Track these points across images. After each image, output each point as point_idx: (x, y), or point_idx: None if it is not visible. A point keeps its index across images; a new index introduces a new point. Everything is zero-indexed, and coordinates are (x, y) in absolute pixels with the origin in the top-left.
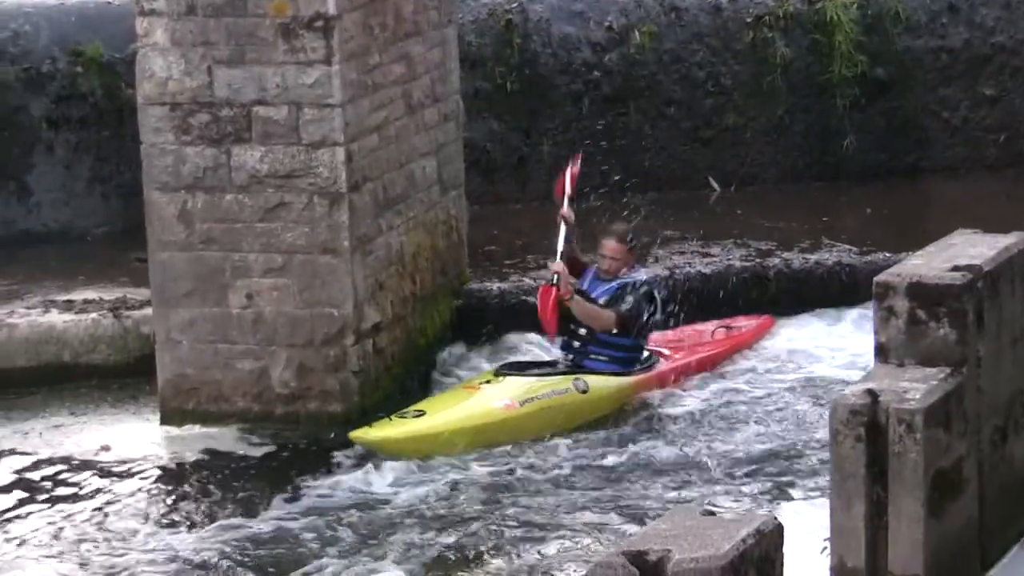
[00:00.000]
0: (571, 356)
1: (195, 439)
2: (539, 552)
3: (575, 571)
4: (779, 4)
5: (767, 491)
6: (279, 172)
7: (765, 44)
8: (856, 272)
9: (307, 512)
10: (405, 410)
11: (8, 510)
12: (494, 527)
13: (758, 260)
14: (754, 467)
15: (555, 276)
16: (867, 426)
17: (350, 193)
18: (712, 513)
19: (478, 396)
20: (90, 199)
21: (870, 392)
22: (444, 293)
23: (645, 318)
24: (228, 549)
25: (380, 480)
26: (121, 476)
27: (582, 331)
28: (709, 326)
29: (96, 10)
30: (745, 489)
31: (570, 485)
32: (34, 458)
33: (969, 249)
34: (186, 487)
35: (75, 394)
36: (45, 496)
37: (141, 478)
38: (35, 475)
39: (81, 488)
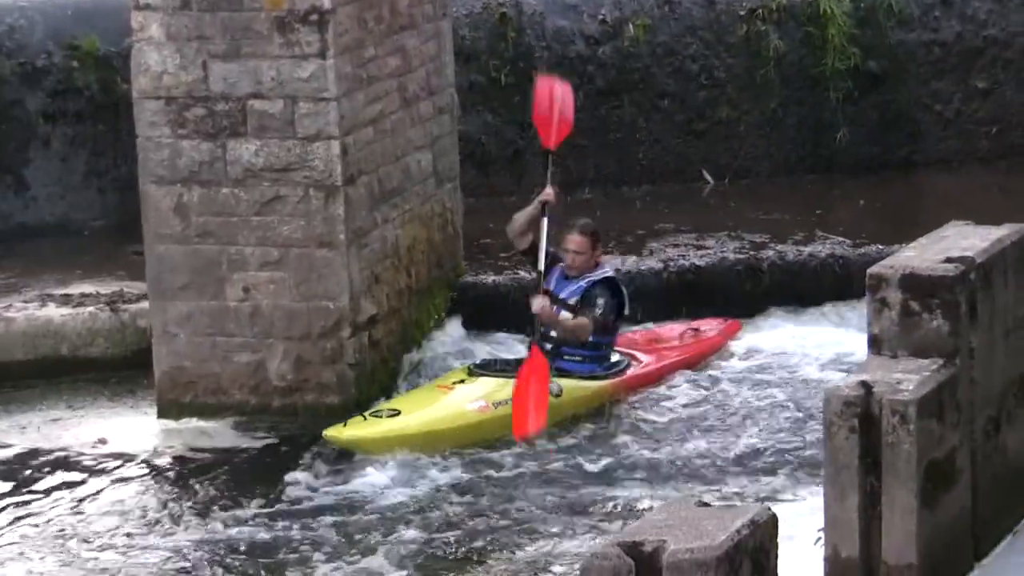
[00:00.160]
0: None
1: (192, 432)
2: (533, 547)
3: (571, 564)
4: None
5: (759, 483)
6: (275, 166)
7: (758, 37)
8: (849, 264)
9: (304, 506)
10: (379, 408)
11: (5, 503)
12: (488, 522)
13: (752, 252)
14: (744, 462)
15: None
16: (861, 417)
17: (346, 186)
18: (707, 504)
19: (452, 397)
20: (87, 193)
21: (863, 383)
22: (440, 285)
23: (615, 317)
24: (224, 543)
25: (377, 474)
26: (118, 469)
27: (554, 333)
28: (678, 327)
29: (91, 4)
30: (737, 482)
31: (559, 483)
32: (32, 451)
33: (962, 241)
34: (183, 480)
35: (73, 387)
36: (43, 489)
37: (138, 471)
38: (33, 468)
39: (78, 481)
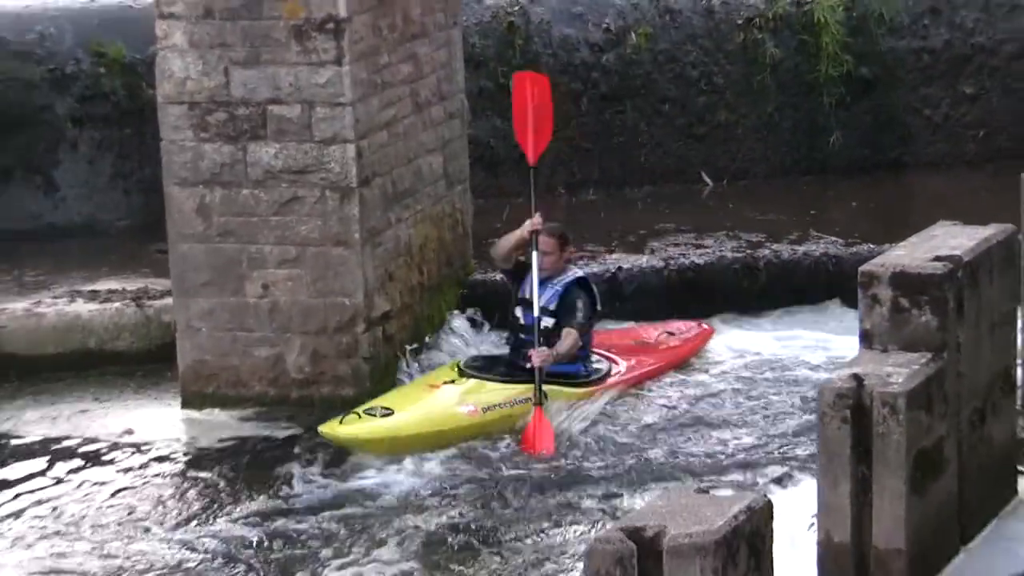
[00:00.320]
0: (529, 365)
1: (214, 422)
2: (537, 536)
3: (575, 550)
4: (769, 6)
5: (755, 473)
6: (293, 168)
7: (755, 45)
8: (842, 263)
9: (316, 496)
10: (372, 406)
11: (35, 490)
12: (492, 513)
13: (749, 251)
14: (740, 454)
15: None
16: (853, 408)
17: (360, 187)
18: (705, 491)
19: (443, 398)
20: (113, 194)
21: (855, 376)
22: (450, 283)
23: (592, 316)
24: (239, 533)
25: (387, 466)
26: (144, 459)
27: (538, 339)
28: (653, 331)
29: (118, 13)
30: (733, 473)
31: (559, 477)
32: (61, 441)
33: (950, 240)
34: (205, 469)
35: (100, 380)
36: (70, 477)
37: (163, 461)
38: (62, 458)
39: (106, 470)
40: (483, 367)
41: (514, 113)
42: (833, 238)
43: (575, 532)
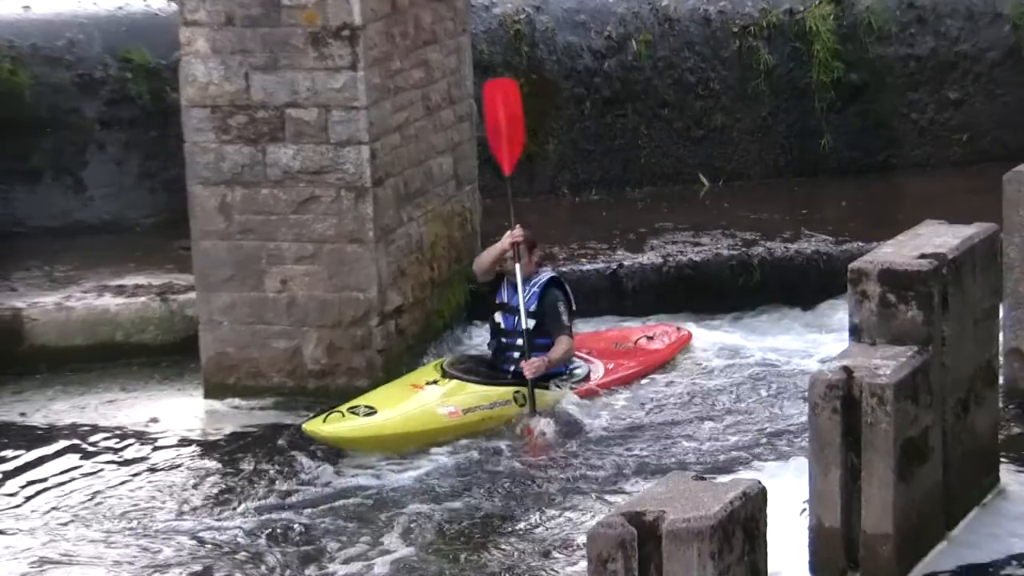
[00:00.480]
0: (511, 367)
1: (235, 412)
2: (542, 525)
3: (577, 537)
4: (763, 15)
5: (750, 461)
6: (310, 168)
7: (750, 52)
8: (833, 260)
9: (329, 485)
10: (356, 405)
11: (63, 478)
12: (497, 503)
13: (744, 249)
14: (735, 443)
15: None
16: (843, 399)
17: (374, 187)
18: (703, 478)
19: (425, 398)
20: (139, 193)
21: (845, 368)
22: (459, 279)
23: (571, 317)
24: (258, 519)
25: (396, 458)
26: (168, 447)
27: (519, 341)
28: (632, 334)
29: (144, 20)
30: (728, 461)
31: (560, 469)
32: (89, 429)
33: (935, 238)
34: (225, 457)
35: (126, 371)
36: (98, 465)
37: (186, 448)
38: (89, 445)
39: (131, 458)
40: (466, 368)
41: (487, 124)
42: (824, 236)
43: (577, 520)
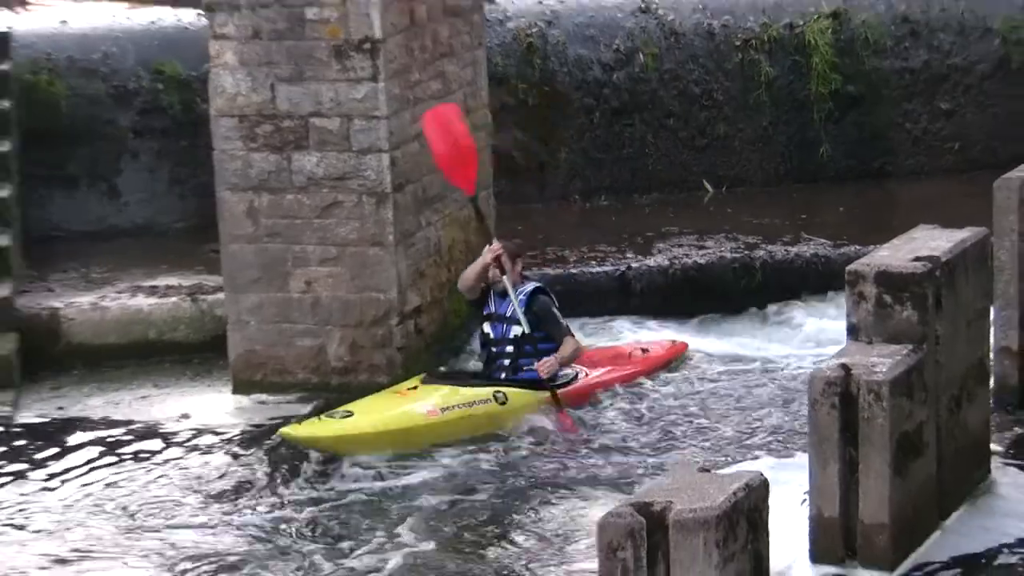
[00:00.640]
0: (503, 375)
1: (262, 407)
2: (551, 516)
3: (587, 528)
4: (764, 29)
5: (752, 455)
6: (333, 175)
7: (752, 64)
8: (831, 262)
9: (351, 477)
10: (334, 410)
11: (96, 469)
12: (507, 500)
13: (746, 252)
14: (737, 439)
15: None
16: (841, 395)
17: (394, 193)
18: (708, 470)
19: (403, 401)
20: (170, 198)
21: (843, 366)
22: None
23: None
24: (279, 513)
25: (411, 456)
26: (198, 440)
27: (508, 348)
28: (626, 348)
29: (175, 34)
30: (732, 454)
31: (566, 464)
32: (123, 424)
33: (929, 242)
34: (252, 451)
35: (159, 368)
36: (131, 458)
37: (215, 442)
38: (123, 439)
39: (163, 451)
40: (447, 376)
41: (435, 155)
42: (823, 240)
43: (585, 513)
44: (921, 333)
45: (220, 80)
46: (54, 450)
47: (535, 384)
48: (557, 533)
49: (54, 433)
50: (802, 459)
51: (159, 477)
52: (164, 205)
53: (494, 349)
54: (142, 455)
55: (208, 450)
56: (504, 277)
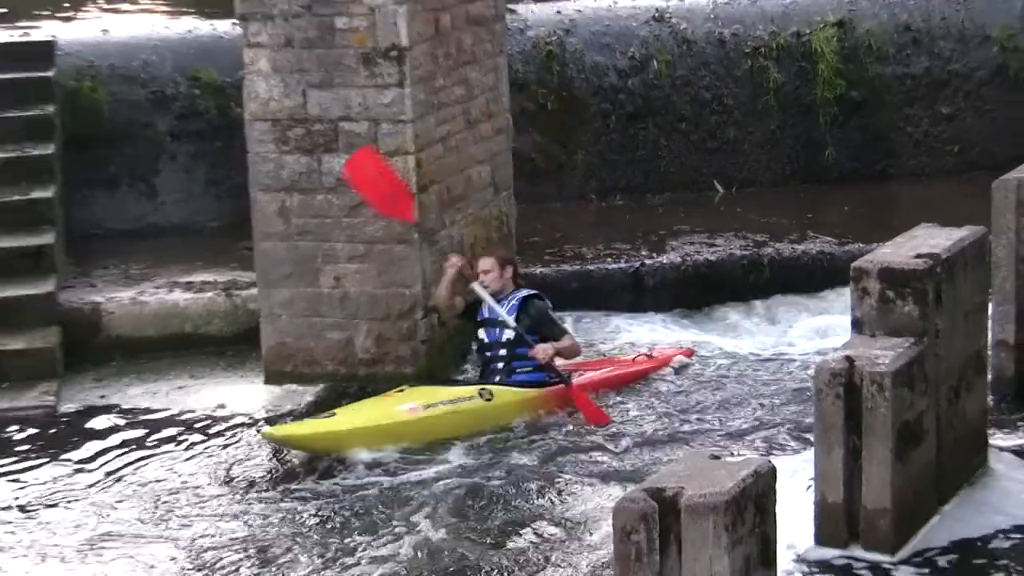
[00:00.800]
0: (497, 378)
1: (292, 396)
2: (566, 505)
3: (598, 514)
4: (772, 37)
5: (760, 443)
6: None
7: (761, 71)
8: (836, 259)
9: (372, 466)
10: (320, 413)
11: (135, 456)
12: (522, 489)
13: (755, 249)
14: (745, 428)
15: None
16: (845, 386)
17: (419, 193)
18: (718, 457)
19: (387, 402)
20: (206, 199)
21: (847, 358)
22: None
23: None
24: (300, 498)
25: (430, 447)
26: (232, 428)
27: (502, 352)
28: (631, 354)
29: (211, 42)
30: (740, 443)
31: (577, 455)
32: (161, 412)
33: (930, 240)
34: None
35: (195, 359)
36: (168, 445)
37: (247, 430)
38: (161, 426)
39: (199, 438)
40: (433, 381)
41: (366, 198)
42: (828, 238)
43: (597, 500)
44: (922, 327)
45: (254, 86)
46: (94, 437)
47: (529, 386)
48: (576, 521)
49: (95, 421)
50: (808, 449)
51: (192, 464)
52: (200, 205)
53: (488, 354)
54: (177, 442)
55: (240, 439)
56: (474, 285)
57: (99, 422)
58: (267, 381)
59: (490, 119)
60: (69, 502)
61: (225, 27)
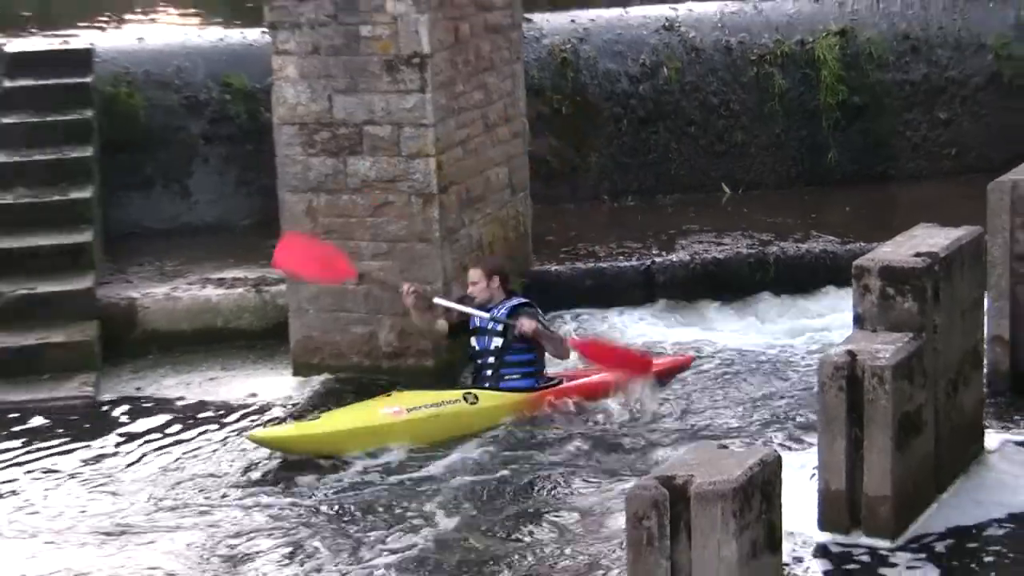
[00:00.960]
0: (487, 385)
1: (319, 388)
2: (580, 494)
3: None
4: (777, 45)
5: (767, 434)
6: (384, 177)
7: (766, 77)
8: (838, 258)
9: (393, 457)
10: (309, 416)
11: (169, 444)
12: (536, 481)
13: (760, 248)
14: (752, 420)
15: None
16: (848, 379)
17: (440, 194)
18: (726, 447)
19: (372, 405)
20: (237, 199)
21: (850, 352)
22: (513, 274)
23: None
24: (322, 487)
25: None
26: (262, 417)
27: (491, 359)
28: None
29: (241, 50)
30: (747, 434)
31: (589, 447)
32: (197, 403)
33: (928, 239)
34: None
35: (226, 352)
36: (201, 434)
37: (277, 419)
38: (195, 415)
39: (230, 427)
40: (421, 385)
41: (310, 278)
42: (831, 237)
43: (609, 490)
44: (921, 322)
45: (282, 91)
46: (130, 425)
47: (517, 392)
48: (592, 513)
49: (132, 410)
50: (812, 439)
51: (221, 452)
52: (231, 205)
53: (479, 361)
54: (209, 431)
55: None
56: (436, 300)
57: (135, 411)
58: (295, 373)
59: (507, 123)
60: (101, 487)
61: (255, 35)
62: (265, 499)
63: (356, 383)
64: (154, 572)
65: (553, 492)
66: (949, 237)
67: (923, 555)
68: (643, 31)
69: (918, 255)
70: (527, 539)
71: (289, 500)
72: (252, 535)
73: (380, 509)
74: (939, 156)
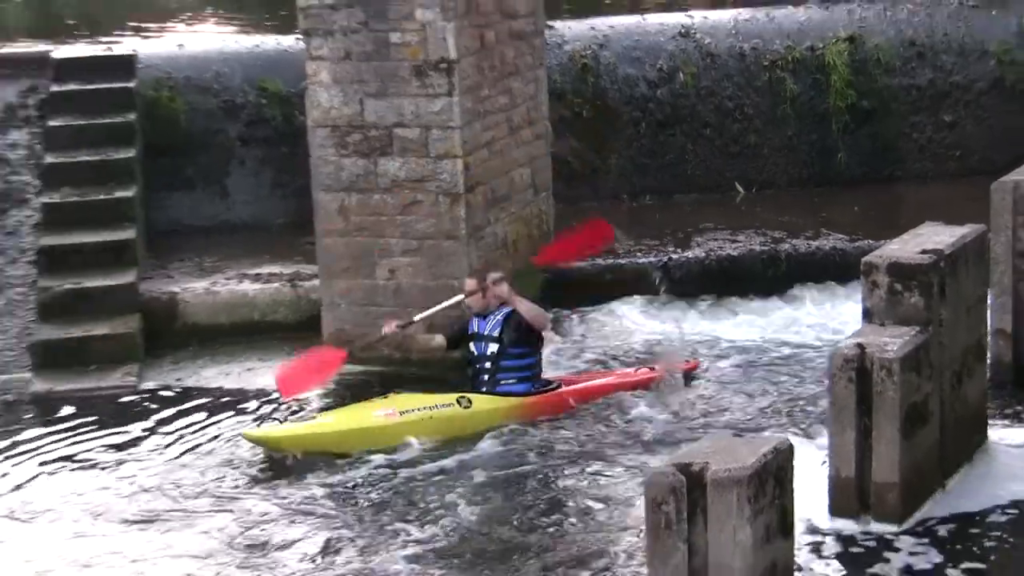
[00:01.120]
0: (484, 389)
1: (350, 379)
2: (598, 482)
3: (629, 491)
4: (789, 51)
5: (780, 424)
6: (413, 177)
7: (778, 82)
8: (847, 255)
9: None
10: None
11: (207, 432)
12: (552, 471)
13: (773, 245)
14: (765, 411)
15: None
16: (857, 371)
17: (466, 194)
18: (740, 436)
19: (368, 406)
20: (272, 198)
21: (859, 345)
22: (536, 270)
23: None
24: (350, 473)
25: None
26: (296, 406)
27: (487, 364)
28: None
29: (277, 56)
30: (760, 423)
31: (605, 440)
32: (233, 392)
33: (934, 237)
34: None
35: (263, 344)
36: (237, 423)
37: (311, 408)
38: (233, 404)
39: (266, 416)
40: (416, 388)
41: (307, 389)
42: (840, 235)
43: (629, 478)
44: (927, 317)
45: (316, 95)
46: (172, 414)
47: (514, 396)
48: (611, 503)
49: (173, 399)
50: (822, 429)
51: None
52: (267, 204)
53: (476, 365)
54: (246, 421)
55: (301, 418)
56: (414, 319)
57: (175, 400)
58: None
59: (531, 126)
60: (139, 473)
61: (289, 42)
62: (297, 485)
63: (385, 376)
64: (180, 559)
65: (574, 484)
66: (954, 235)
67: (928, 540)
68: (660, 38)
69: (924, 252)
70: (551, 529)
71: (317, 491)
72: (279, 523)
73: (402, 501)
74: (944, 158)
